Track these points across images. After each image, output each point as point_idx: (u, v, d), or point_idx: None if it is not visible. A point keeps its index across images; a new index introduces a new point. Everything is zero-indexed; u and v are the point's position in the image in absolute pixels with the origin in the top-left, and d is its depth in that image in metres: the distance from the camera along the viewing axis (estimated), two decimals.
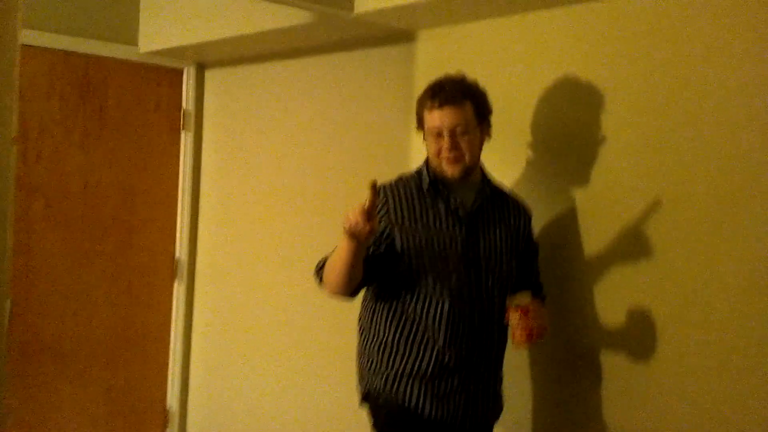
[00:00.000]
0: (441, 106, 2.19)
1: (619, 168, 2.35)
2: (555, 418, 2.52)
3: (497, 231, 2.30)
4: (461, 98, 2.20)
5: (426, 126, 2.26)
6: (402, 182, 2.31)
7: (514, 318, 2.15)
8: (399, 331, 2.23)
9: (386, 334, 2.25)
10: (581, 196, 2.45)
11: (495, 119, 2.35)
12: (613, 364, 2.35)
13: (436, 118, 2.21)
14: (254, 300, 3.90)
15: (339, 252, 2.09)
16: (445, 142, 2.20)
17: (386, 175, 2.37)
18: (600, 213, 2.40)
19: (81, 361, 3.93)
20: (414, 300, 2.22)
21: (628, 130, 2.33)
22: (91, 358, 3.96)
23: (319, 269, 2.27)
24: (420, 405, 2.20)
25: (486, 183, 2.36)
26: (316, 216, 3.52)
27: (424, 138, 2.32)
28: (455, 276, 2.20)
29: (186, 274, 4.25)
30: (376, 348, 2.27)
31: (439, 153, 2.23)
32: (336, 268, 2.12)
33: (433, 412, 2.20)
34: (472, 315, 2.22)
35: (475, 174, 2.31)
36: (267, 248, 3.85)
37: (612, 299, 2.36)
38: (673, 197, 2.21)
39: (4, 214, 2.14)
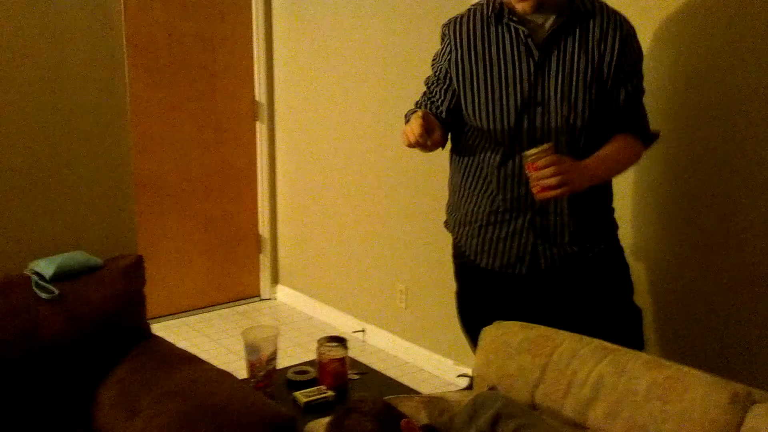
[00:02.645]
0: None
1: None
2: None
3: (576, 62, 1.95)
4: None
5: None
6: (468, 14, 2.07)
7: (527, 172, 1.87)
8: (464, 176, 2.15)
9: (456, 177, 2.19)
10: None
11: None
12: None
13: None
14: (333, 135, 4.25)
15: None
16: None
17: None
18: None
19: (181, 196, 4.41)
20: (473, 144, 2.09)
21: None
22: (189, 194, 4.44)
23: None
24: (474, 254, 2.15)
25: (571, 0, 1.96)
26: (398, 55, 3.76)
27: None
28: (514, 118, 1.98)
29: (266, 116, 4.61)
30: (451, 188, 2.25)
31: None
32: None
33: (486, 261, 2.12)
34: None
35: None
36: (345, 88, 4.14)
37: None
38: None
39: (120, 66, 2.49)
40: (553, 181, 1.80)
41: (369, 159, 3.99)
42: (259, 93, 4.60)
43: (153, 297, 4.06)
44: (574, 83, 1.95)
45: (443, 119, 2.09)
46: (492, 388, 1.90)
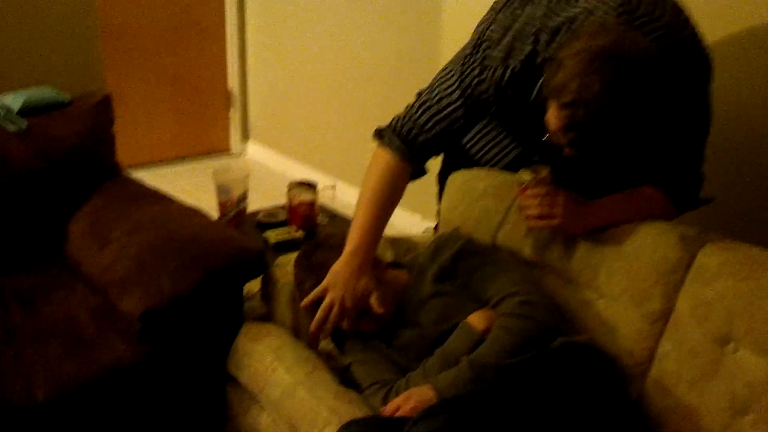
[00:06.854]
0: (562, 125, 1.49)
1: None
2: None
3: None
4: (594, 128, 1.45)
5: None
6: (511, 76, 1.66)
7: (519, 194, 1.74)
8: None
9: None
10: None
11: None
12: None
13: (552, 122, 1.51)
14: None
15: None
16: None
17: None
18: None
19: (147, 49, 4.31)
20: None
21: None
22: (156, 47, 4.33)
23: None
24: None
25: None
26: None
27: None
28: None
29: None
30: None
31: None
32: None
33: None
34: None
35: None
36: None
37: None
38: None
39: None
40: (534, 212, 1.66)
41: (346, 12, 3.91)
42: None
43: (121, 147, 4.04)
44: None
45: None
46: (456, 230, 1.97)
